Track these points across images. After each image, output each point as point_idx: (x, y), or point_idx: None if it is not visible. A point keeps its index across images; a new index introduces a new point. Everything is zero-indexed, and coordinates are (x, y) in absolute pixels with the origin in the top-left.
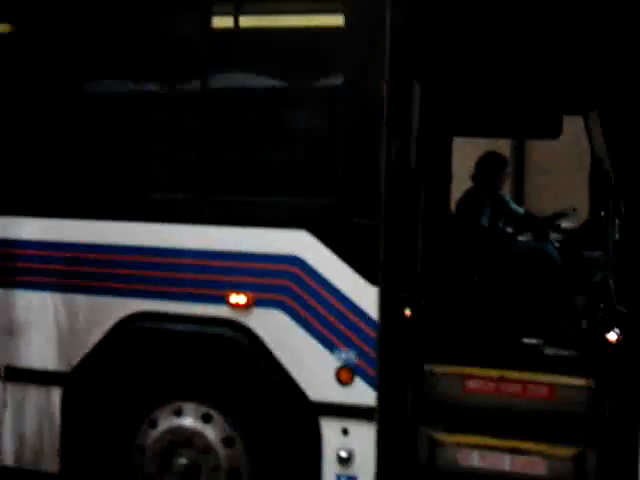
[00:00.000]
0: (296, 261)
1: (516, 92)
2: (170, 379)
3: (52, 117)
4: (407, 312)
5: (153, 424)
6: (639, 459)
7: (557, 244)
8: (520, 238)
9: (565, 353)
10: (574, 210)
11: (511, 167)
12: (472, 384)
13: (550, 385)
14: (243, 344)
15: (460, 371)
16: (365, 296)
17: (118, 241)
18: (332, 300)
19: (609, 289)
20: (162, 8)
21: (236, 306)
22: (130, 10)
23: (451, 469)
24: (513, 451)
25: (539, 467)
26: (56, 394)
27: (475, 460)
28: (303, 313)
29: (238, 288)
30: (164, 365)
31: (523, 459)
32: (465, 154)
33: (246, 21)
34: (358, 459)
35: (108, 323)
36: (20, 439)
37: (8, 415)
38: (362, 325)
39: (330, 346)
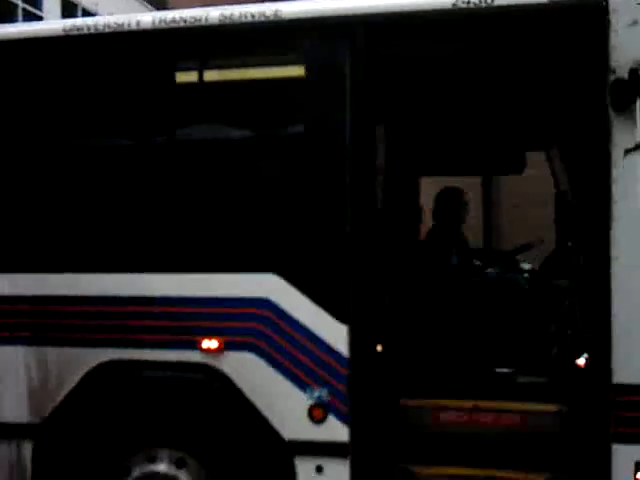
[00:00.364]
0: (266, 304)
1: (479, 132)
2: (143, 426)
3: (24, 175)
4: (378, 348)
5: (127, 472)
6: None
7: (526, 274)
8: (489, 270)
9: (537, 380)
10: (542, 241)
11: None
12: (445, 416)
13: (522, 413)
14: (215, 388)
15: (433, 404)
16: (336, 334)
17: (89, 292)
18: (303, 340)
19: (577, 316)
20: (129, 66)
21: (208, 351)
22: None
23: None
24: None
25: None
26: (27, 447)
27: None
28: (274, 354)
29: (209, 333)
30: (136, 413)
31: None
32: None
33: (210, 75)
34: None
35: (79, 373)
36: None
37: None
38: (333, 363)
39: (302, 385)
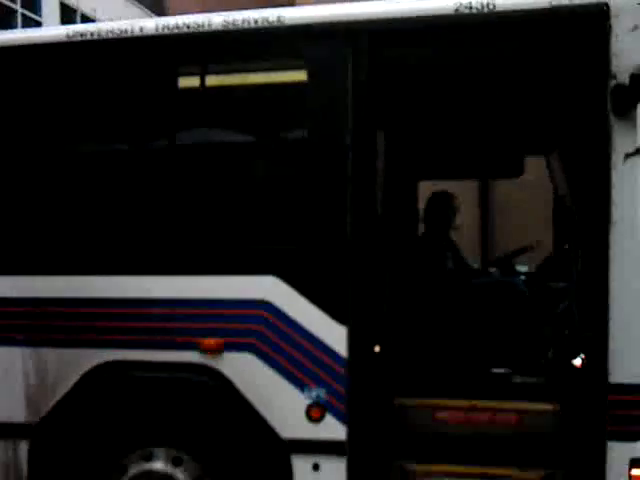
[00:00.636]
0: (266, 306)
1: (478, 135)
2: (141, 426)
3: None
4: (376, 348)
5: (123, 470)
6: (604, 478)
7: (524, 277)
8: (488, 272)
9: (533, 380)
10: (539, 244)
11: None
12: (442, 415)
13: (518, 411)
14: (214, 388)
15: (430, 403)
16: (334, 335)
17: (88, 294)
18: (302, 341)
19: (574, 317)
20: (133, 70)
21: (207, 352)
22: (98, 70)
23: None
24: (483, 477)
25: None
26: (23, 446)
27: None
28: (273, 355)
29: (209, 334)
30: (134, 413)
31: None
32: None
33: (213, 80)
34: None
35: (78, 373)
36: None
37: None
38: (331, 363)
39: (300, 385)
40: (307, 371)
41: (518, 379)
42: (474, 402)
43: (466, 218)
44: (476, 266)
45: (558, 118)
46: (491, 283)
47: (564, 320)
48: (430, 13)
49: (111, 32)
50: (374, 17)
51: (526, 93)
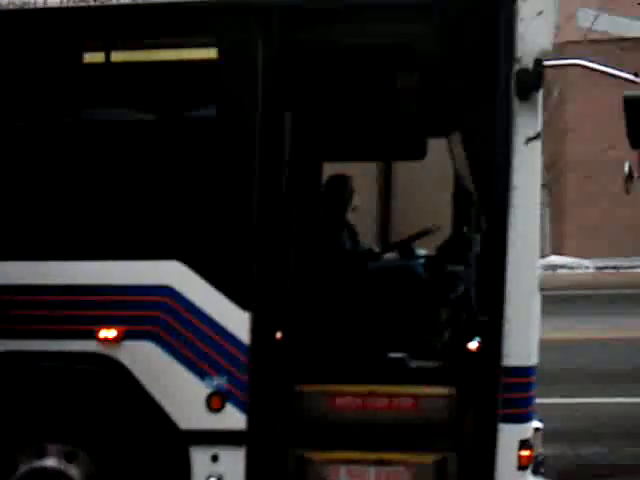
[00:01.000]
0: (168, 291)
1: (381, 117)
2: (34, 420)
3: None
4: (278, 335)
5: (14, 468)
6: (495, 460)
7: (423, 260)
8: (386, 256)
9: (429, 364)
10: (438, 227)
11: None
12: (340, 401)
13: (414, 396)
14: (110, 379)
15: (328, 389)
16: (237, 322)
17: None
18: (204, 328)
19: (470, 301)
20: (36, 45)
21: (105, 340)
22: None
23: None
24: (378, 463)
25: (402, 476)
26: None
27: (343, 475)
28: (175, 343)
29: (107, 322)
30: (27, 406)
31: (387, 470)
32: None
33: (119, 56)
34: None
35: None
36: None
37: None
38: (234, 351)
39: (201, 374)
40: (209, 359)
41: (415, 363)
42: (372, 387)
43: (367, 201)
44: (376, 249)
45: (461, 100)
46: (389, 267)
47: (461, 304)
48: None
49: (12, 3)
50: None
51: (430, 74)
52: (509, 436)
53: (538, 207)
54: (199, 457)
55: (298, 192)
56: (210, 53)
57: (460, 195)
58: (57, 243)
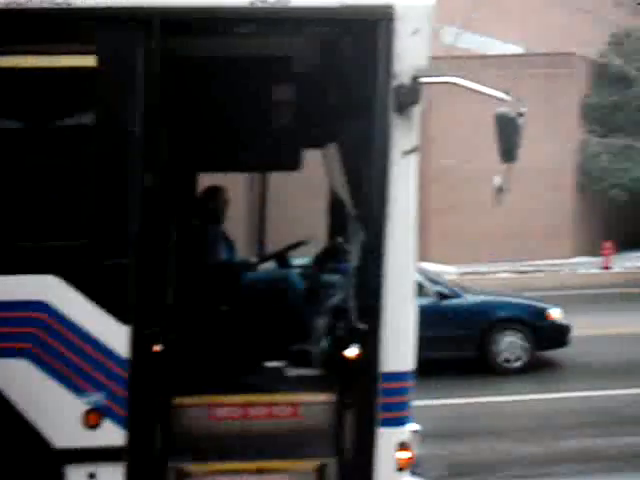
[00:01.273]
0: (43, 307)
1: (256, 129)
2: None
3: None
4: (157, 347)
5: None
6: (375, 463)
7: (299, 270)
8: (263, 266)
9: (306, 372)
10: (314, 238)
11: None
12: (219, 412)
13: (293, 404)
14: None
15: (206, 400)
16: (116, 336)
17: None
18: (81, 344)
19: (348, 310)
20: None
21: None
22: None
23: None
24: (260, 472)
25: None
26: None
27: None
28: (50, 360)
29: None
30: None
31: (268, 478)
32: None
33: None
34: None
35: None
36: None
37: None
38: (112, 366)
39: (78, 390)
40: (86, 375)
41: (294, 372)
42: (250, 397)
43: (242, 211)
44: (252, 260)
45: (339, 113)
46: (266, 277)
47: (338, 313)
48: (226, 4)
49: None
50: (168, 4)
51: (308, 88)
52: (388, 439)
53: (414, 218)
54: (74, 476)
55: (174, 203)
56: (89, 61)
57: (335, 206)
58: None
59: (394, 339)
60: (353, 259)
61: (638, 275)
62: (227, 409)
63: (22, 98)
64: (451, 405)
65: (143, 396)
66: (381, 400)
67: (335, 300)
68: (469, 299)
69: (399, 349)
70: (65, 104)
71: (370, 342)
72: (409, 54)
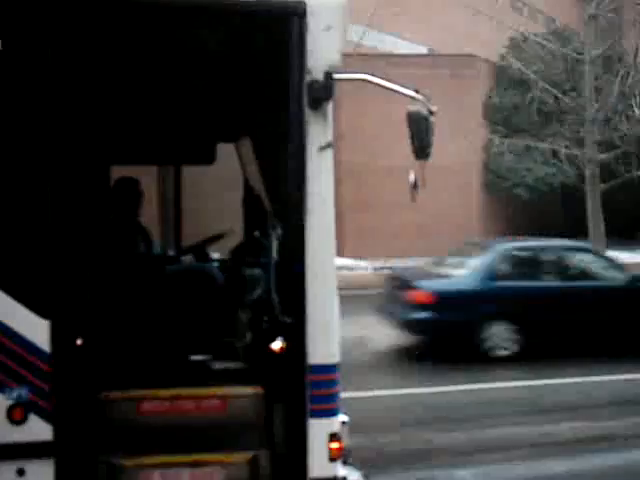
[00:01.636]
0: None
1: (169, 122)
2: None
3: None
4: (78, 342)
5: None
6: (307, 454)
7: (217, 263)
8: (181, 260)
9: (233, 365)
10: (232, 231)
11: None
12: (146, 406)
13: (221, 397)
14: None
15: (132, 395)
16: (36, 330)
17: None
18: (1, 339)
19: (272, 303)
20: None
21: None
22: None
23: None
24: (193, 465)
25: (217, 476)
26: None
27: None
28: None
29: None
30: None
31: (201, 471)
32: None
33: None
34: None
35: None
36: None
37: None
38: (34, 360)
39: (0, 386)
40: (7, 370)
41: (219, 365)
42: (176, 391)
43: (157, 203)
44: (170, 253)
45: (255, 108)
46: (185, 270)
47: (260, 306)
48: None
49: None
50: None
51: (221, 82)
52: (318, 430)
53: (332, 211)
54: (2, 472)
55: (88, 196)
56: None
57: (250, 200)
58: None
59: (319, 332)
60: (273, 253)
61: None
62: (155, 403)
63: None
64: (378, 397)
65: (67, 390)
66: (310, 392)
67: (257, 293)
68: None
69: (325, 341)
70: None
71: (295, 335)
72: (322, 50)
